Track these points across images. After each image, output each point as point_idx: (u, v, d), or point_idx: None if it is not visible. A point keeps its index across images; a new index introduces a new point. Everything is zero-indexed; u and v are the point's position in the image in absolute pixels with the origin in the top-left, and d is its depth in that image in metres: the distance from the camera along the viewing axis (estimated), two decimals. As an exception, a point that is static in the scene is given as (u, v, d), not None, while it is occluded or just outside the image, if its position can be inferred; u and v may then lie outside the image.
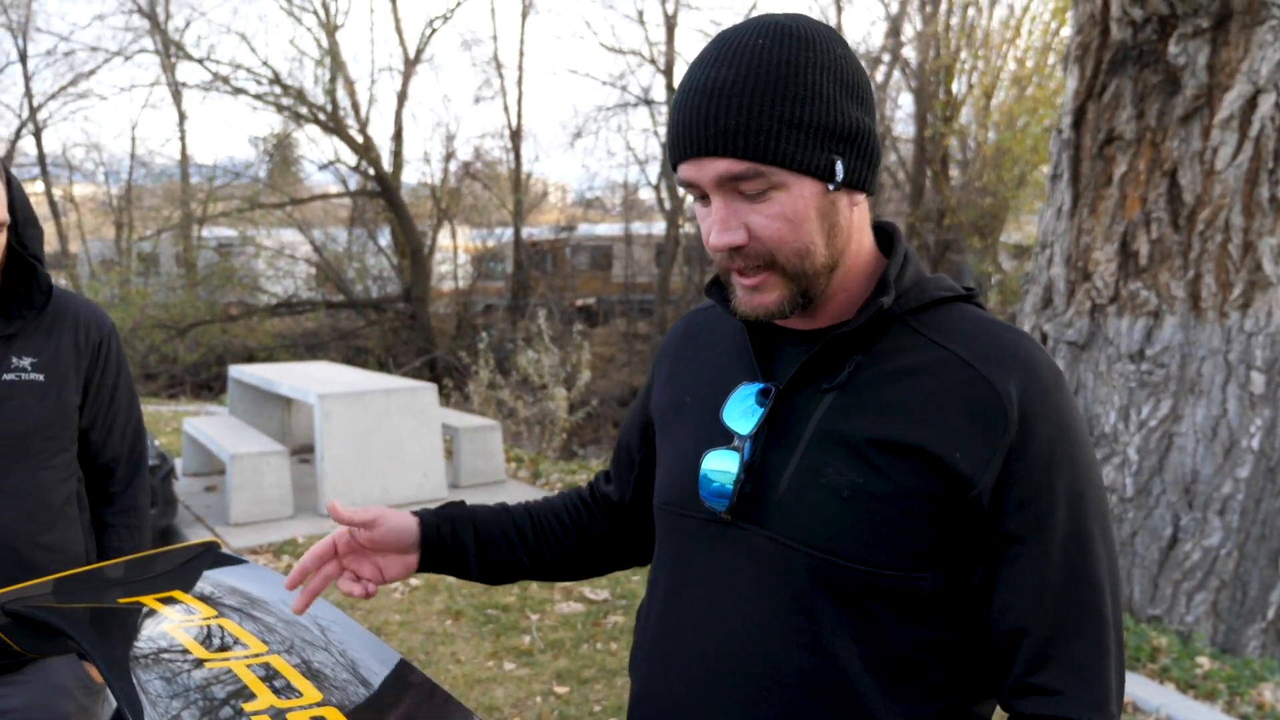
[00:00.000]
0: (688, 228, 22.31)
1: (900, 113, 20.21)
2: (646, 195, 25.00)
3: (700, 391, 1.10)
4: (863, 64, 1.00)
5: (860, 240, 1.02)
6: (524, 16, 23.09)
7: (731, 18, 37.98)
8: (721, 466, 1.01)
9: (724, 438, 1.02)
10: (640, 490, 1.27)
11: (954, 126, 17.03)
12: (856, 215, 1.00)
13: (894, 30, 18.32)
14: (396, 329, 19.94)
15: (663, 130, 21.31)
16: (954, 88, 17.31)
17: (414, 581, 4.75)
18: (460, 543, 1.23)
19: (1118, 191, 4.30)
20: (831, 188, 0.95)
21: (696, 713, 1.03)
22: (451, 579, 4.79)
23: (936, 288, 1.02)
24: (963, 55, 17.05)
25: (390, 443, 6.33)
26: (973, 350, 0.97)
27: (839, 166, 0.94)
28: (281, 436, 7.93)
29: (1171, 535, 4.24)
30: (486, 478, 6.96)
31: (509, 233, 22.74)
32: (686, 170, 0.96)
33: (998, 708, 1.04)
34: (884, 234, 1.07)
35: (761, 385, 1.02)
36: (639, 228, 24.69)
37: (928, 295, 1.01)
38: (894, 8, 18.61)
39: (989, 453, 0.93)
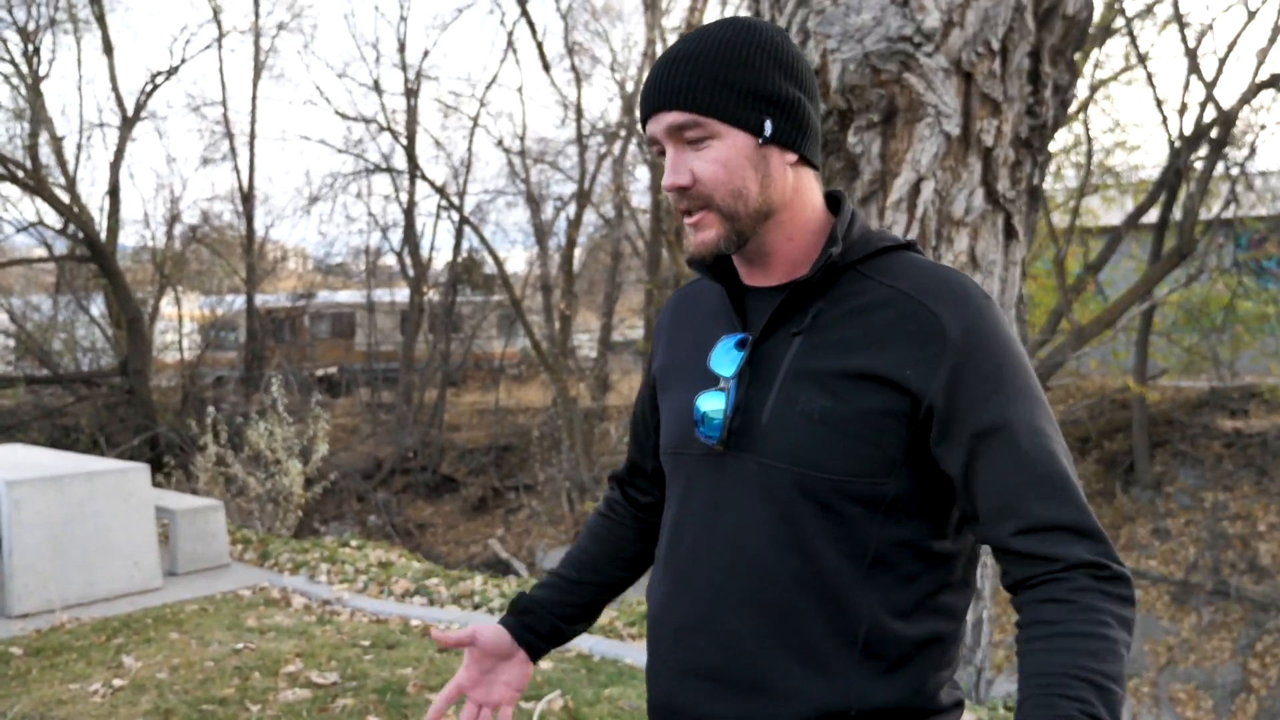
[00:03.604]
0: (432, 295, 22.07)
1: (637, 185, 21.14)
2: (390, 261, 24.54)
3: (690, 351, 1.29)
4: (803, 55, 1.22)
5: (805, 200, 1.21)
6: (255, 79, 22.10)
7: (468, 88, 38.41)
8: (712, 406, 1.20)
9: (712, 381, 1.21)
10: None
11: (687, 200, 17.99)
12: (795, 177, 1.19)
13: (628, 108, 19.24)
14: (112, 405, 18.19)
15: (404, 197, 21.12)
16: (685, 164, 18.30)
17: (116, 681, 4.32)
18: (555, 631, 1.44)
19: (813, 264, 4.74)
20: (760, 141, 1.15)
21: (701, 623, 1.20)
22: (161, 675, 4.42)
23: (881, 239, 1.21)
24: (692, 134, 18.12)
25: (94, 531, 5.76)
26: (914, 285, 1.15)
27: (768, 124, 1.14)
28: (-38, 530, 7.01)
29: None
30: (208, 562, 6.48)
31: (241, 300, 21.50)
32: (650, 127, 1.17)
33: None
34: (834, 200, 1.26)
35: (740, 336, 1.21)
36: (382, 294, 24.12)
37: (873, 245, 1.19)
38: (629, 87, 19.57)
39: (933, 368, 1.11)
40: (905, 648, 1.16)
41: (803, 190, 1.21)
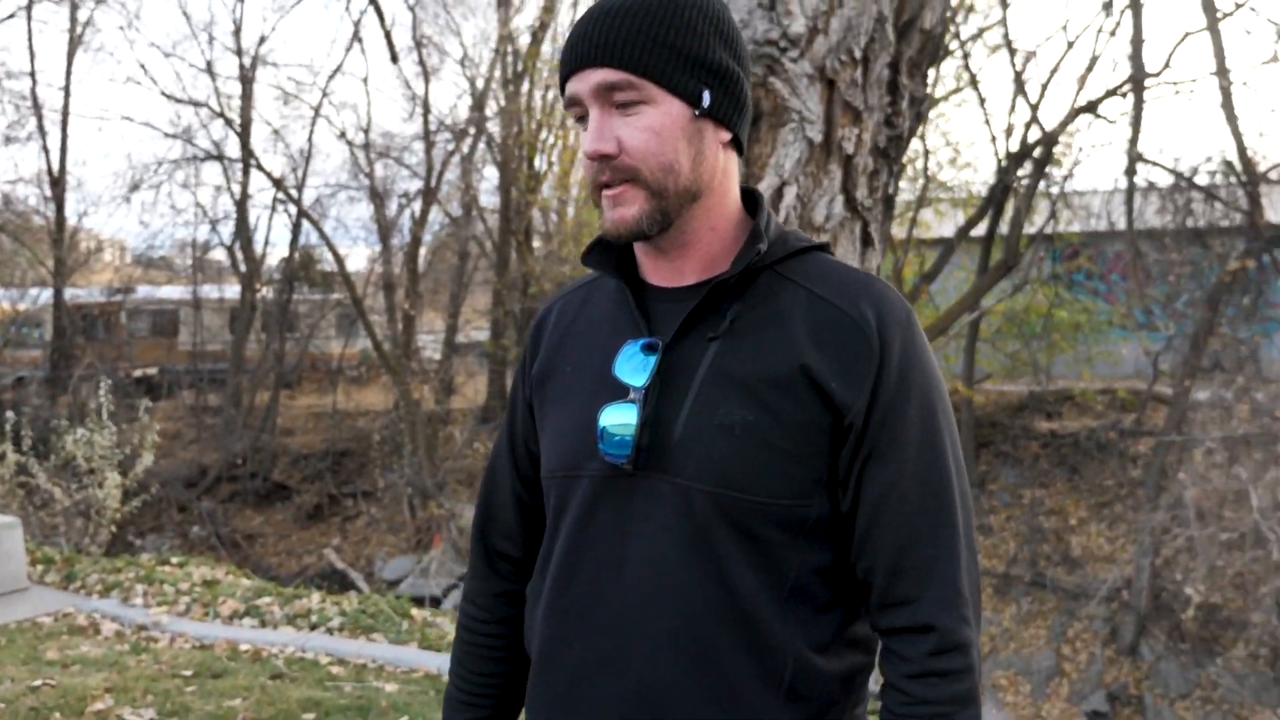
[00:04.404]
0: (266, 292, 21.00)
1: (486, 184, 20.76)
2: (220, 256, 23.17)
3: (582, 358, 1.14)
4: (740, 29, 1.10)
5: (729, 188, 1.10)
6: (70, 53, 20.37)
7: (309, 77, 36.84)
8: (618, 420, 1.05)
9: (619, 393, 1.06)
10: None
11: (537, 199, 17.79)
12: (725, 160, 1.08)
13: (478, 105, 18.86)
14: (-110, 408, 16.37)
15: (237, 188, 19.99)
16: (536, 163, 18.11)
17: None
18: None
19: (675, 267, 4.65)
20: (697, 113, 1.04)
21: (605, 664, 1.06)
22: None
23: (796, 240, 1.11)
24: (544, 133, 17.94)
25: None
26: (836, 291, 1.07)
27: (706, 95, 1.04)
28: None
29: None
30: (1, 586, 5.81)
31: (48, 293, 19.83)
32: (572, 85, 1.04)
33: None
34: (748, 196, 1.14)
35: (647, 340, 1.07)
36: (210, 290, 22.76)
37: (791, 246, 1.10)
38: (479, 84, 19.19)
39: (859, 382, 1.02)
40: (828, 687, 1.07)
41: (730, 176, 1.10)
